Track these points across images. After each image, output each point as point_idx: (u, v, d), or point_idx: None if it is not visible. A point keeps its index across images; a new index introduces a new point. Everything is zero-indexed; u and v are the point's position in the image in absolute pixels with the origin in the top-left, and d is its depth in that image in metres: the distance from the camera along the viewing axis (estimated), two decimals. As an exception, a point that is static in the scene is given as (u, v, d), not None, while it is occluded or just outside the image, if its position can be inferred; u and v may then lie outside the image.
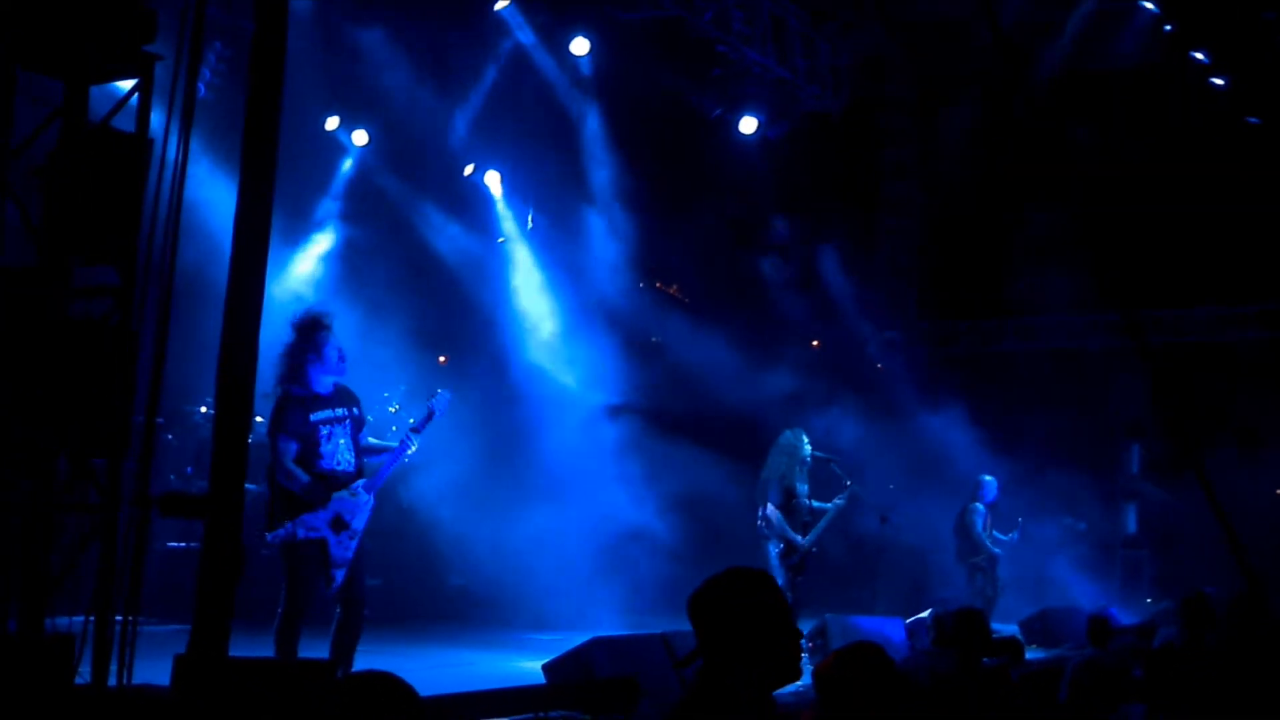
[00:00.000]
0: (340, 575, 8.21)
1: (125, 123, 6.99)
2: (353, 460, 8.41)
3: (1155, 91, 16.54)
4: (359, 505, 8.34)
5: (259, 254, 6.53)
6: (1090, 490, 18.59)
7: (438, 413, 8.70)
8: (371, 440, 8.86)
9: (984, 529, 14.84)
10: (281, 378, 8.29)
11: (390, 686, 3.32)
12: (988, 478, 15.20)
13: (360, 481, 8.40)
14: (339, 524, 8.23)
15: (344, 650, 8.20)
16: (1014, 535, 14.54)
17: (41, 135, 6.93)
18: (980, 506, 14.92)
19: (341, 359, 8.37)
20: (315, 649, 8.29)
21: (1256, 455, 17.64)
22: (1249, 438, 17.45)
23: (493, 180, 17.14)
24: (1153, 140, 16.89)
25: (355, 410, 8.49)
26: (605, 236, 18.63)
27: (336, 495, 8.25)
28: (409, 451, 8.56)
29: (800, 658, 3.69)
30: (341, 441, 8.35)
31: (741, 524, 13.85)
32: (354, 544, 8.28)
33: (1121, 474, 19.31)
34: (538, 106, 16.43)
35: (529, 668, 9.32)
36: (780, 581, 12.37)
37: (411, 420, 8.79)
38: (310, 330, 8.29)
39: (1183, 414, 17.34)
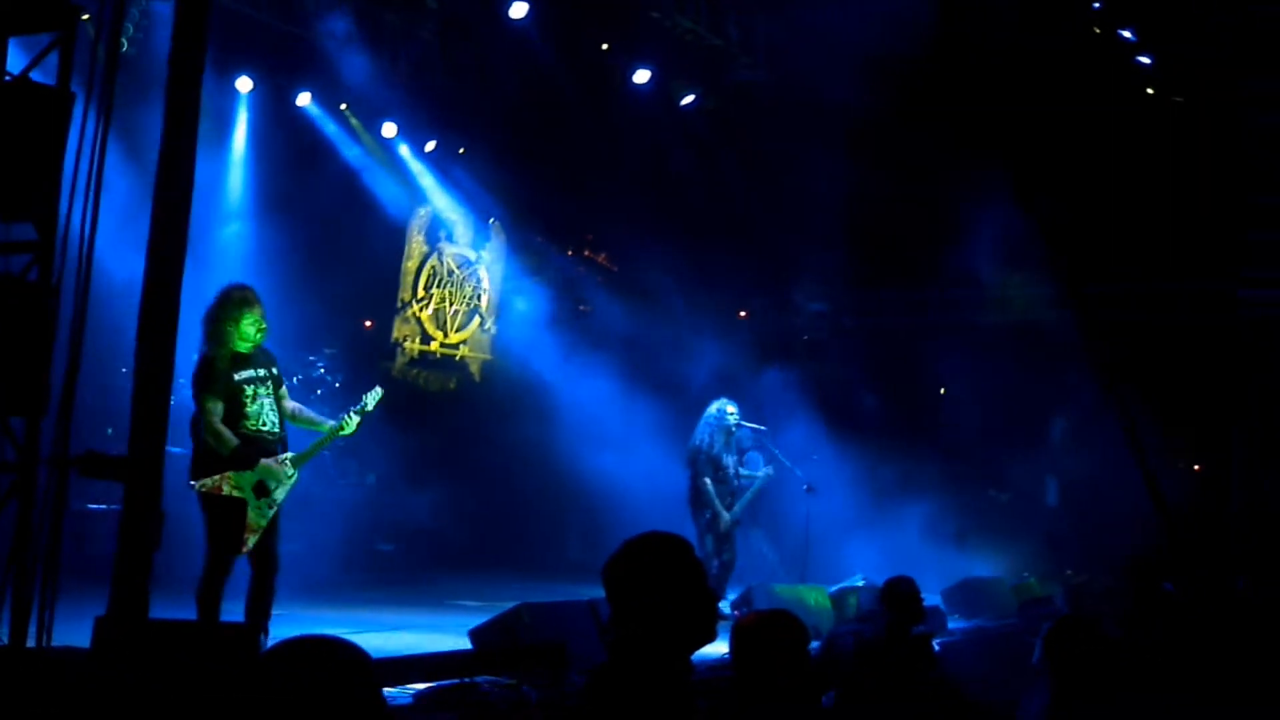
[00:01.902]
0: (253, 540, 8.17)
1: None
2: (275, 420, 8.37)
3: (1082, 68, 16.62)
4: (284, 477, 8.31)
5: (180, 213, 6.47)
6: (1016, 462, 18.79)
7: (369, 406, 8.75)
8: (306, 411, 8.80)
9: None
10: (204, 338, 8.22)
11: (341, 650, 3.27)
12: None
13: (290, 454, 8.37)
14: (262, 489, 8.18)
15: (259, 613, 8.15)
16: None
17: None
18: None
19: (260, 332, 8.31)
20: (229, 614, 8.23)
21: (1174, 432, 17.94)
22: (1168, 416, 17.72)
23: (427, 145, 17.07)
24: (1081, 117, 16.99)
25: (274, 370, 8.45)
26: (534, 205, 18.59)
27: (264, 460, 8.20)
28: (344, 432, 8.57)
29: (715, 619, 3.70)
30: (265, 402, 8.30)
31: (669, 493, 13.91)
32: (271, 513, 8.26)
33: (1045, 447, 19.49)
34: (472, 71, 16.31)
35: (455, 633, 9.29)
36: (708, 549, 12.44)
37: (348, 401, 8.81)
38: (234, 304, 8.21)
39: (1111, 389, 17.54)
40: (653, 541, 3.70)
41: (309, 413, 8.81)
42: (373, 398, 8.78)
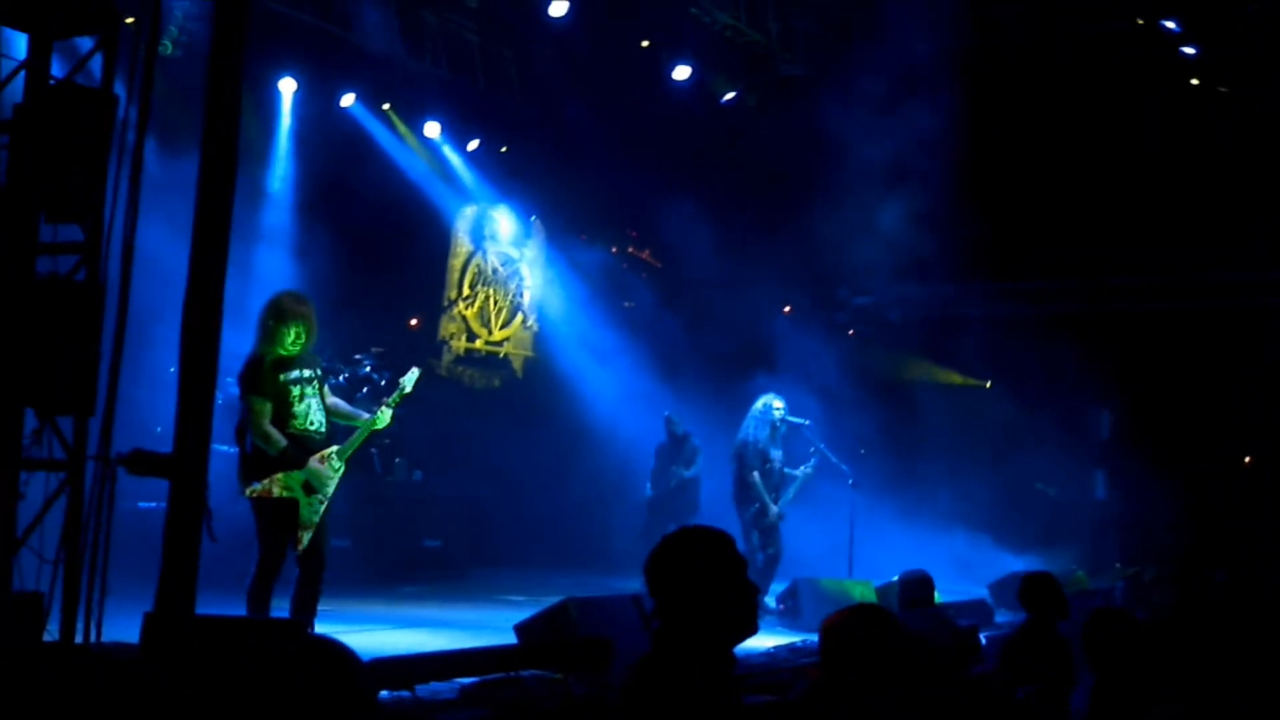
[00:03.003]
0: (307, 537, 8.23)
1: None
2: (323, 420, 8.43)
3: (1125, 60, 16.47)
4: (331, 471, 8.36)
5: (223, 212, 6.52)
6: (1063, 456, 18.69)
7: (407, 389, 8.77)
8: (343, 405, 8.89)
9: None
10: (257, 337, 8.30)
11: (329, 649, 3.30)
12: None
13: (334, 448, 8.42)
14: (310, 487, 8.24)
15: (305, 610, 8.19)
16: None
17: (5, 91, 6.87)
18: None
19: (308, 340, 8.36)
20: (276, 610, 8.29)
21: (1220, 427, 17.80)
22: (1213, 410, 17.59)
23: (470, 144, 17.17)
24: (1121, 108, 16.85)
25: (318, 370, 8.52)
26: (576, 202, 18.62)
27: (311, 459, 8.26)
28: (378, 425, 8.60)
29: (756, 612, 3.72)
30: (312, 402, 8.36)
31: (713, 487, 13.92)
32: (322, 508, 8.31)
33: (1091, 440, 19.37)
34: (513, 69, 16.37)
35: (501, 628, 9.32)
36: (754, 543, 12.45)
37: (387, 396, 8.82)
38: (284, 314, 8.27)
39: (1150, 382, 17.45)
40: (695, 536, 3.73)
41: (346, 407, 8.89)
42: (410, 380, 8.79)
